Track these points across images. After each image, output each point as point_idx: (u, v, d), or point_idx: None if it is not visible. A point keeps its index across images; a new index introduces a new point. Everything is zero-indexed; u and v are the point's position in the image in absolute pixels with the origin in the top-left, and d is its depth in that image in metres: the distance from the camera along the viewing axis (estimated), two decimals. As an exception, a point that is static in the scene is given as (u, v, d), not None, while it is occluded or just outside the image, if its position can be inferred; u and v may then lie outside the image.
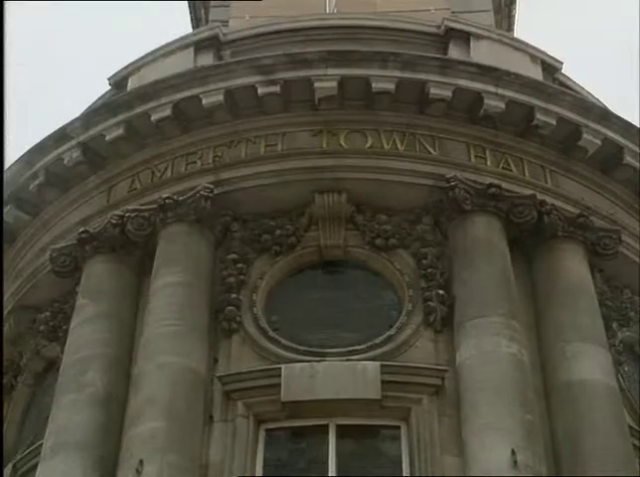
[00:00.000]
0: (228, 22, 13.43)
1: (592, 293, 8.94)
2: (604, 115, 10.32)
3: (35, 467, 8.02)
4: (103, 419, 8.09)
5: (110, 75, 11.47)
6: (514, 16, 18.04)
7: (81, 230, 9.55)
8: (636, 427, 8.36)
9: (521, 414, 7.43)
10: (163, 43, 11.27)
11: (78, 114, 10.55)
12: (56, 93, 36.82)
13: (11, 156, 10.35)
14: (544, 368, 8.30)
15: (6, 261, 10.47)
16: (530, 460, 6.98)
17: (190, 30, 16.80)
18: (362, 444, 8.08)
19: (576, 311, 8.57)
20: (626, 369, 9.17)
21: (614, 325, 9.22)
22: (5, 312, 10.28)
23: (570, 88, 10.89)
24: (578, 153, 9.79)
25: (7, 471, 9.06)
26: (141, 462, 7.15)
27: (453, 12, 13.02)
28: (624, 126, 10.21)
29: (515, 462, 6.84)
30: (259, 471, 7.66)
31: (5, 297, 10.35)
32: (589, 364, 8.11)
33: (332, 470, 7.55)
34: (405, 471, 7.54)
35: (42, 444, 8.17)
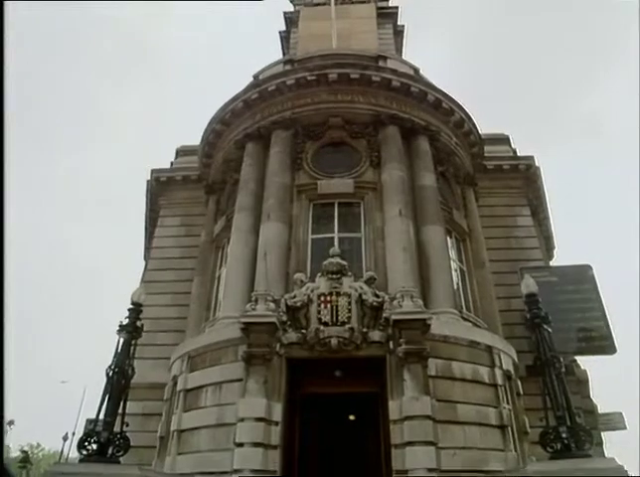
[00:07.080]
0: (296, 51, 20.98)
1: (428, 149, 15.49)
2: (427, 84, 16.38)
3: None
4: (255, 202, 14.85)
5: (254, 73, 17.35)
6: (402, 42, 27.01)
7: (243, 131, 16.03)
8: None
9: (403, 197, 13.60)
10: (271, 62, 17.72)
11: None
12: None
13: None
14: (412, 181, 14.51)
15: (217, 144, 16.80)
16: (405, 212, 13.15)
17: (282, 55, 24.79)
18: (347, 209, 14.22)
19: (419, 156, 14.99)
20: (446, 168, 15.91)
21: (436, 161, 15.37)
22: (217, 165, 16.75)
23: (422, 78, 16.73)
24: (412, 97, 15.92)
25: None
26: (268, 215, 13.55)
27: (381, 49, 19.32)
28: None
29: (400, 213, 13.11)
30: (310, 220, 13.88)
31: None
32: (427, 176, 14.50)
33: (336, 217, 14.05)
34: (362, 219, 13.79)
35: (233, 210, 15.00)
